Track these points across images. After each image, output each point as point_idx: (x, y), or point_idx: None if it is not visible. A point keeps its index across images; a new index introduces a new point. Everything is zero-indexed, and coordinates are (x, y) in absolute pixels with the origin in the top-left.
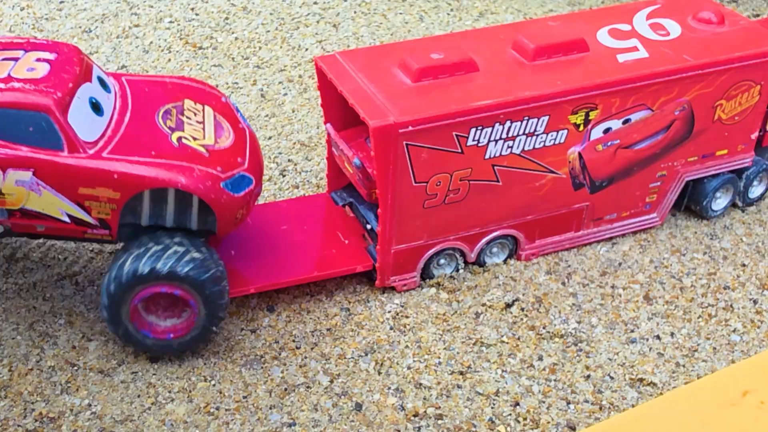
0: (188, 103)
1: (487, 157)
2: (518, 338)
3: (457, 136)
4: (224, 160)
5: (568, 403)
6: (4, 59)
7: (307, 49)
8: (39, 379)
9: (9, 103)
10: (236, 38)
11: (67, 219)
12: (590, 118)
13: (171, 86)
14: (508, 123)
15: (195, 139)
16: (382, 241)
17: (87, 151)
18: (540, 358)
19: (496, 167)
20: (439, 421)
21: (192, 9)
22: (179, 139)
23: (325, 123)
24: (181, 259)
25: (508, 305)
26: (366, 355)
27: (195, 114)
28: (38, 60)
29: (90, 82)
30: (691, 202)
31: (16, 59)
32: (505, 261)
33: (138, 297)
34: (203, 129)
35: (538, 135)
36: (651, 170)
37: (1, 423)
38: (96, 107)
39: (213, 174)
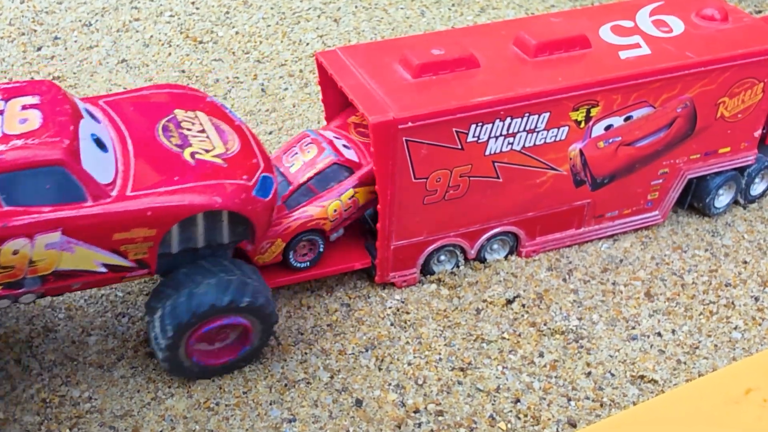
0: (180, 114)
1: (487, 153)
2: (519, 335)
3: (456, 132)
4: (243, 166)
5: (569, 399)
6: None
7: (308, 44)
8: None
9: (17, 164)
10: (237, 32)
11: (103, 269)
12: (591, 114)
13: (153, 99)
14: (508, 119)
15: (207, 151)
16: (382, 237)
17: (110, 195)
18: (541, 355)
19: (496, 164)
20: (440, 418)
21: (192, 3)
22: (192, 155)
23: (326, 119)
24: (237, 289)
25: (509, 301)
26: (366, 351)
27: (192, 123)
28: (24, 108)
29: (83, 117)
30: (694, 200)
31: (0, 112)
32: (506, 257)
33: (195, 335)
34: (208, 138)
35: (538, 132)
36: (653, 167)
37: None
38: (99, 143)
39: (243, 185)
